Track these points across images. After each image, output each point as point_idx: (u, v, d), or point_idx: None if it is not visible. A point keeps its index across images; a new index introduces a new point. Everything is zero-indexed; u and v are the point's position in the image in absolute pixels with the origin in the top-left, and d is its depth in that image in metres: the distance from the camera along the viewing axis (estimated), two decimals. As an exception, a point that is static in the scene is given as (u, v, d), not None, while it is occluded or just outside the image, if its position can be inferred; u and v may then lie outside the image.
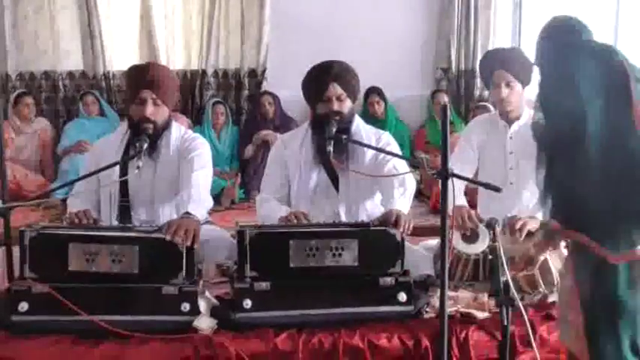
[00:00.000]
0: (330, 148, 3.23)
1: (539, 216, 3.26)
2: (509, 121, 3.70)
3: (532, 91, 3.83)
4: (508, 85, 3.60)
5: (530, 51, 6.04)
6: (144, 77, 3.42)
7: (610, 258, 2.26)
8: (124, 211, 3.50)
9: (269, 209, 3.43)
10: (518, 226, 3.20)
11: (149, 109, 3.40)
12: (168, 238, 2.76)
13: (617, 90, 2.19)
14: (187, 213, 3.02)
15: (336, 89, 3.41)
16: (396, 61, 7.22)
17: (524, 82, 3.64)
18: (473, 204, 3.87)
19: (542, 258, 3.08)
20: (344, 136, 3.33)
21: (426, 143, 7.16)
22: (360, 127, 3.56)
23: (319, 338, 2.72)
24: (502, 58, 3.68)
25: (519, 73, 3.60)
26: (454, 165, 2.59)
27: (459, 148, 3.80)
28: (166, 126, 3.52)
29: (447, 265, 2.48)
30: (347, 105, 3.45)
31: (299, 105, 6.80)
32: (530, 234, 3.21)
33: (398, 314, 2.86)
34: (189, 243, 2.78)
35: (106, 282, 2.75)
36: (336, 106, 3.40)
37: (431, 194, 6.06)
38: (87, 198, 3.47)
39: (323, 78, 3.43)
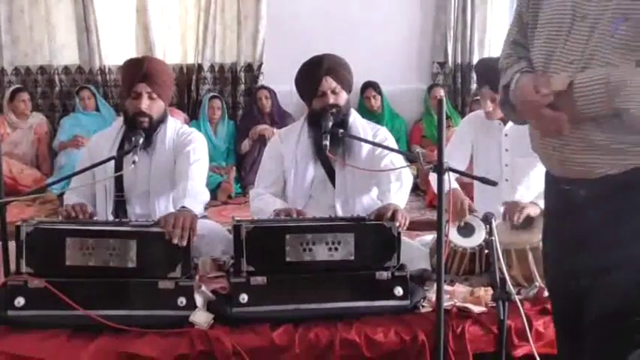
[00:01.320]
0: (327, 143, 3.23)
1: (541, 204, 3.26)
2: (504, 119, 3.71)
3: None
4: (493, 100, 3.62)
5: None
6: (139, 71, 3.41)
7: None
8: (120, 206, 3.49)
9: (262, 203, 3.43)
10: (517, 209, 3.21)
11: (145, 103, 3.39)
12: (167, 237, 2.75)
13: None
14: (184, 207, 3.02)
15: (329, 83, 3.40)
16: (393, 55, 7.22)
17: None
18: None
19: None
20: (340, 130, 3.33)
21: (423, 137, 7.17)
22: (357, 122, 3.55)
23: (316, 333, 2.72)
24: (488, 74, 3.68)
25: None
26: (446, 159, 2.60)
27: (451, 144, 3.82)
28: (162, 120, 3.51)
29: (443, 259, 2.48)
30: (342, 97, 3.45)
31: (295, 99, 6.77)
32: (530, 221, 3.21)
33: (394, 308, 2.86)
34: (184, 243, 2.77)
35: (102, 276, 2.75)
36: (331, 100, 3.40)
37: (427, 190, 6.07)
38: (83, 193, 3.47)
39: (315, 73, 3.42)
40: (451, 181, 2.97)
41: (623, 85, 1.70)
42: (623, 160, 1.81)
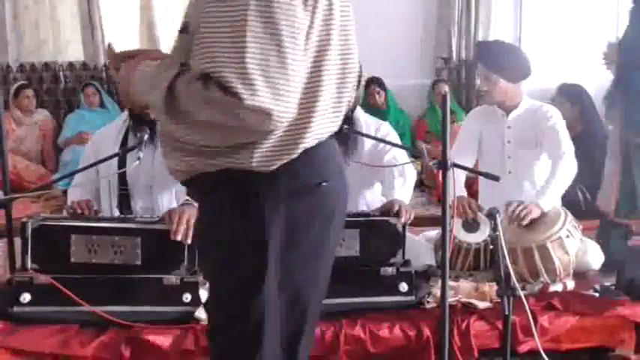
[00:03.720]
0: (330, 138, 3.22)
1: (542, 205, 3.25)
2: (507, 111, 3.70)
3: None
4: (486, 78, 3.61)
5: (531, 39, 6.04)
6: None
7: None
8: (124, 200, 3.49)
9: None
10: (518, 211, 3.18)
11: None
12: (173, 237, 2.76)
13: None
14: (187, 200, 3.01)
15: None
16: (397, 50, 7.21)
17: (507, 77, 3.60)
18: (473, 193, 3.87)
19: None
20: (345, 126, 3.32)
21: (427, 133, 7.15)
22: (360, 117, 3.55)
23: (320, 328, 2.71)
24: (483, 52, 3.72)
25: (497, 68, 3.58)
26: (455, 156, 2.60)
27: (459, 139, 3.79)
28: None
29: (448, 255, 2.48)
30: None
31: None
32: (531, 222, 3.20)
33: (399, 304, 2.86)
34: (189, 241, 2.78)
35: (108, 273, 2.76)
36: None
37: (436, 185, 6.06)
38: (87, 188, 3.47)
39: None
40: (459, 188, 2.95)
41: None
42: (190, 162, 1.70)
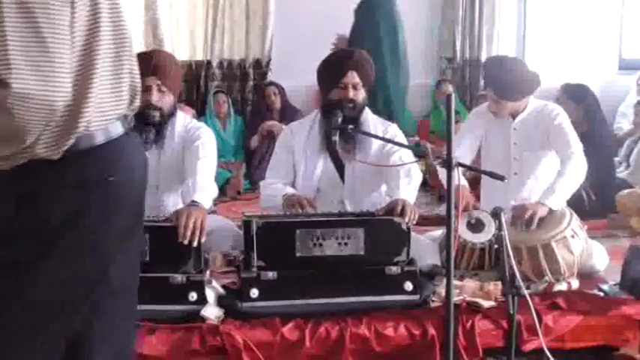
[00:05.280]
0: (336, 138, 3.23)
1: (549, 203, 3.25)
2: (514, 115, 3.71)
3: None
4: (495, 102, 3.68)
5: (535, 39, 6.02)
6: (148, 64, 3.38)
7: None
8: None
9: (272, 190, 3.44)
10: (527, 215, 3.19)
11: (155, 96, 3.38)
12: (181, 239, 2.77)
13: None
14: (194, 201, 3.02)
15: (353, 77, 3.42)
16: (401, 50, 7.20)
17: (515, 99, 3.66)
18: (476, 195, 3.88)
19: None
20: (350, 126, 3.32)
21: (431, 133, 7.15)
22: (368, 118, 3.55)
23: (326, 327, 2.73)
24: (490, 80, 3.77)
25: (506, 96, 3.64)
26: (455, 150, 2.60)
27: (459, 136, 3.78)
28: (172, 114, 3.50)
29: (453, 254, 2.49)
30: (361, 94, 3.46)
31: (303, 95, 6.77)
32: (539, 221, 3.21)
33: (404, 303, 2.87)
34: (195, 243, 2.79)
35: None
36: (351, 94, 3.41)
37: (436, 185, 6.05)
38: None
39: (342, 64, 3.44)
40: (460, 178, 2.97)
41: None
42: None
